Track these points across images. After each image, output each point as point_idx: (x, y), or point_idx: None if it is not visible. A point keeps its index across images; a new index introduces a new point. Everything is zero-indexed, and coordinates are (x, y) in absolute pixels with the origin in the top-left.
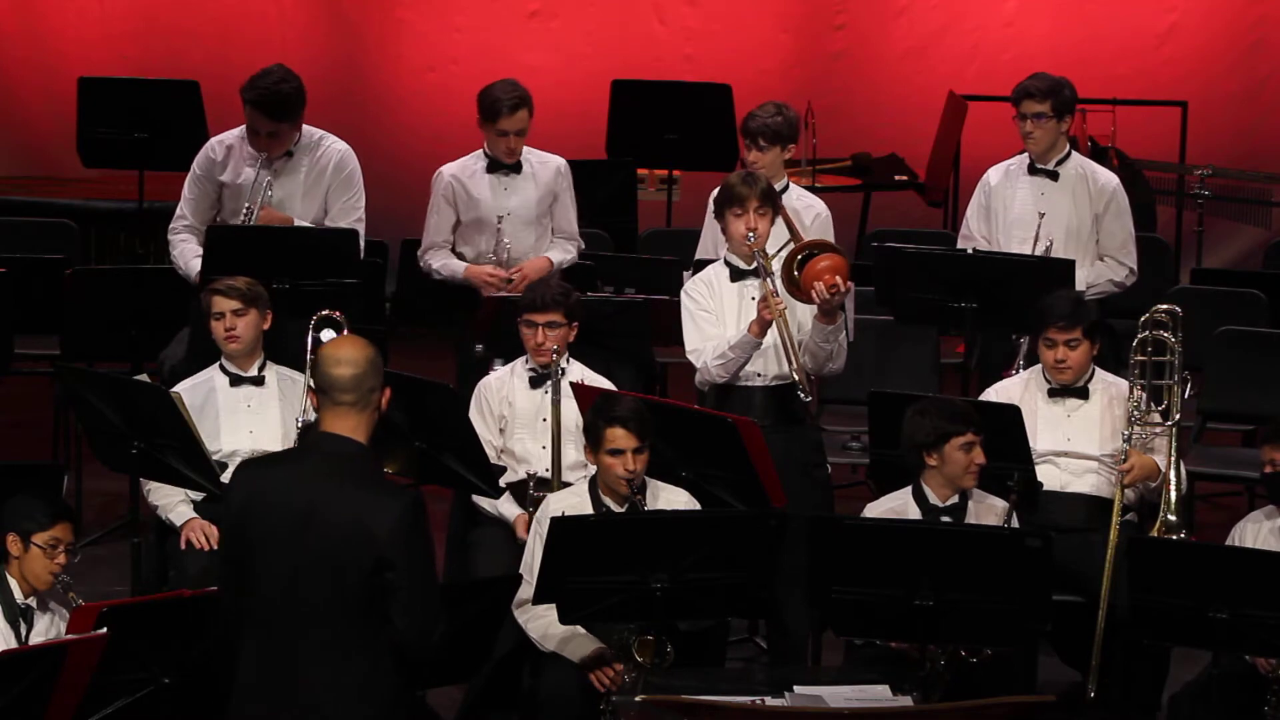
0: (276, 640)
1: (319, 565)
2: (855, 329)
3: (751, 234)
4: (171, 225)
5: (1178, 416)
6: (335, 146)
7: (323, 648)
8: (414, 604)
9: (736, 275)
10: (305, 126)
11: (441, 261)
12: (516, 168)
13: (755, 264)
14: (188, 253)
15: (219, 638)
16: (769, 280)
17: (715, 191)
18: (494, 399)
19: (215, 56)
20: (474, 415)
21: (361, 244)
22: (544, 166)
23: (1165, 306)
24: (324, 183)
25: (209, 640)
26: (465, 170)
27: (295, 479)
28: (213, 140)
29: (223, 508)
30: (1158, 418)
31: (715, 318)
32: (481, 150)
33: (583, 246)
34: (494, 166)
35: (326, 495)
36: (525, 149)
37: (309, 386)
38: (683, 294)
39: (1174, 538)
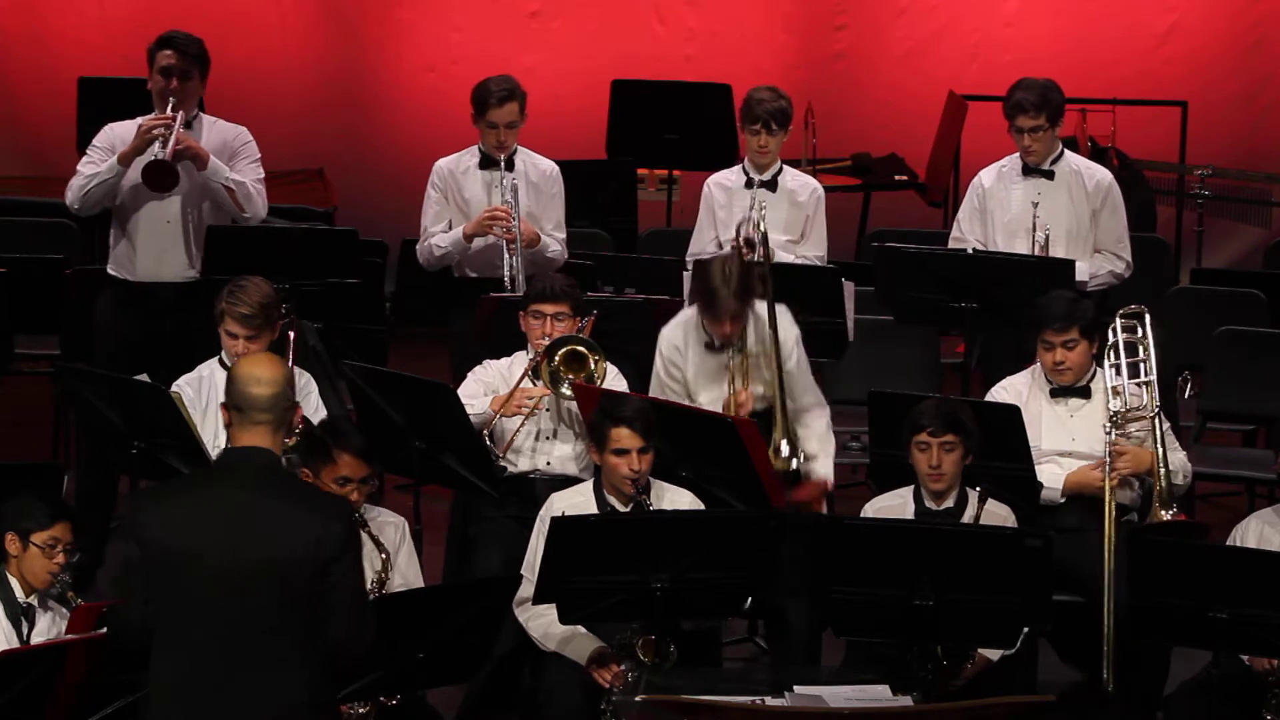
0: (210, 655)
1: (263, 576)
2: (855, 329)
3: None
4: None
5: (1157, 405)
6: (230, 125)
7: (263, 658)
8: (354, 607)
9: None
10: (203, 115)
11: (437, 238)
12: (509, 165)
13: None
14: (97, 169)
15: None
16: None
17: (710, 181)
18: (495, 376)
19: (215, 57)
20: (469, 378)
21: (265, 209)
22: (535, 168)
23: (1134, 308)
24: (225, 152)
25: None
26: (459, 165)
27: (223, 496)
28: (114, 125)
29: (130, 539)
30: (1139, 410)
31: (680, 386)
32: (476, 146)
33: (565, 254)
34: (486, 163)
35: (264, 507)
36: (522, 150)
37: (221, 404)
38: (657, 353)
39: (1169, 515)
